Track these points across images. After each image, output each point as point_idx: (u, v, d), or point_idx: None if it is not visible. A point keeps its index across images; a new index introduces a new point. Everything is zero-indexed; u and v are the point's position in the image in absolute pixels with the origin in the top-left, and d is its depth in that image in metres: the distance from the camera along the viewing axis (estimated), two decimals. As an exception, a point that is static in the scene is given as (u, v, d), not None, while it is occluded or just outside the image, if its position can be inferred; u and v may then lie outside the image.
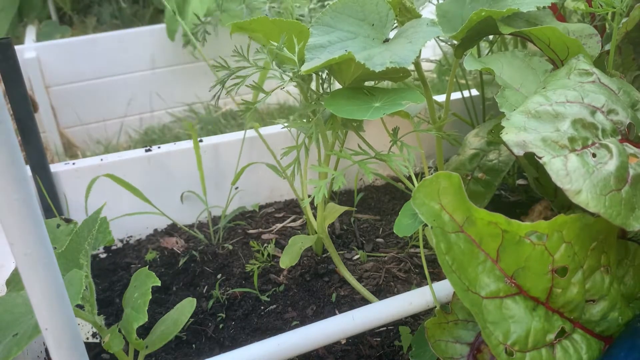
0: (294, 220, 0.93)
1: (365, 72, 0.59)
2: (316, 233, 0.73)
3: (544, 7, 0.65)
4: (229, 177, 0.94)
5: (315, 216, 0.73)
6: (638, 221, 0.42)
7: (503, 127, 0.45)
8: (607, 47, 0.67)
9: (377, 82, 0.70)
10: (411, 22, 0.62)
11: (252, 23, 0.62)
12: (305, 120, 0.64)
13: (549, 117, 0.46)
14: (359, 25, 0.61)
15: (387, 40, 0.60)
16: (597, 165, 0.43)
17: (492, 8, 0.60)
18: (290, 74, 0.60)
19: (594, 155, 0.43)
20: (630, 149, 0.45)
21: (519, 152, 0.43)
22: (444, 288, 0.57)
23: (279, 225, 0.91)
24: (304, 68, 0.56)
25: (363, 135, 0.66)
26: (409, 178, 0.89)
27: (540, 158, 0.42)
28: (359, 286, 0.72)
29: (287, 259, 0.70)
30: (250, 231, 0.90)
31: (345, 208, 0.75)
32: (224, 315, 0.73)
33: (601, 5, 0.60)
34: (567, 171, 0.42)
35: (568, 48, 0.58)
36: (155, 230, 0.94)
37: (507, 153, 0.78)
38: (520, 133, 0.44)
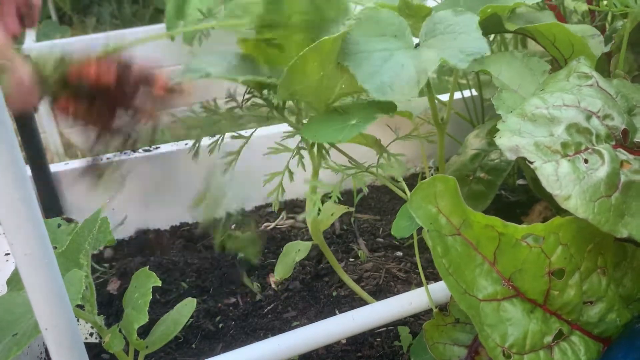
0: (294, 220, 0.93)
1: (344, 91, 0.57)
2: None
3: (544, 6, 0.65)
4: (228, 177, 0.94)
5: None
6: (627, 228, 0.42)
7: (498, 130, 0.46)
8: (606, 49, 0.67)
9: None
10: (427, 21, 0.58)
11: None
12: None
13: (544, 120, 0.46)
14: (384, 41, 0.56)
15: (417, 46, 0.57)
16: (588, 171, 0.43)
17: (494, 4, 0.60)
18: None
19: (586, 161, 0.43)
20: (624, 155, 0.45)
21: (512, 156, 0.43)
22: (442, 289, 0.57)
23: (276, 225, 0.91)
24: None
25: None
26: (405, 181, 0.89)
27: (531, 163, 0.42)
28: (357, 288, 0.72)
29: (282, 270, 0.68)
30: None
31: (342, 208, 0.74)
32: (224, 316, 0.73)
33: (615, 5, 0.59)
34: (558, 177, 0.42)
35: (573, 46, 0.58)
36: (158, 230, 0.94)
37: (508, 153, 0.77)
38: (514, 137, 0.44)
